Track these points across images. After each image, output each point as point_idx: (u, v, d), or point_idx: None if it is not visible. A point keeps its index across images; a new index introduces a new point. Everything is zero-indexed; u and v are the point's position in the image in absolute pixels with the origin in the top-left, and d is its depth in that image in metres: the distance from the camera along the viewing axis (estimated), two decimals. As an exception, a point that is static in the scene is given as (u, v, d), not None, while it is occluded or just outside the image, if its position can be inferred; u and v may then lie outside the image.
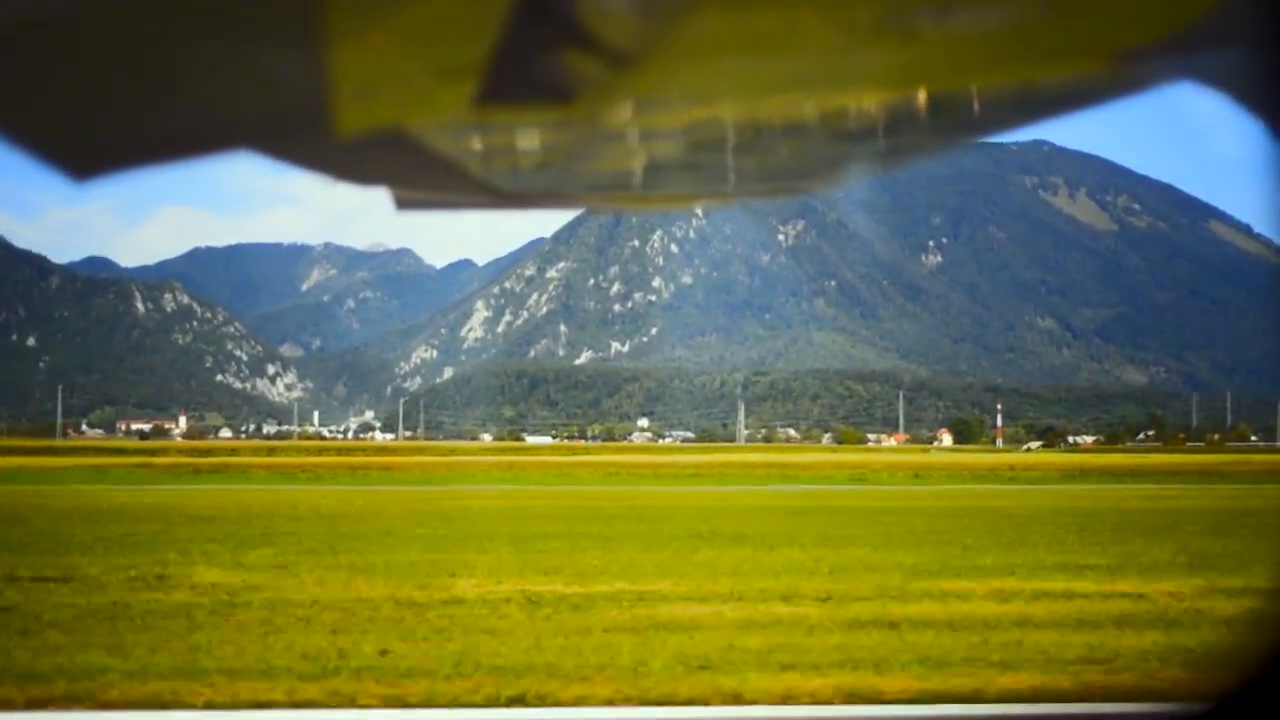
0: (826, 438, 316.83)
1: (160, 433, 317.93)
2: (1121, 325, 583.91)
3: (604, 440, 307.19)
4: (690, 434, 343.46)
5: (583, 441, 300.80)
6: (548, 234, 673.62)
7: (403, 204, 2.24)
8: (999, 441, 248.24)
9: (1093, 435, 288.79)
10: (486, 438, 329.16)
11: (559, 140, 1.95)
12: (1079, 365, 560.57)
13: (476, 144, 1.97)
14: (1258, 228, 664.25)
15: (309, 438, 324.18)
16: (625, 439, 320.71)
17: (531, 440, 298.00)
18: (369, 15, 1.44)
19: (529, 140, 1.94)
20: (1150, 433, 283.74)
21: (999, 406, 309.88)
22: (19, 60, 1.45)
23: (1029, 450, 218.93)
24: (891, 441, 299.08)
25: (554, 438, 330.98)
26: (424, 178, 2.14)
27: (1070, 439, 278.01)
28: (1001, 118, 1.93)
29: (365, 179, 2.09)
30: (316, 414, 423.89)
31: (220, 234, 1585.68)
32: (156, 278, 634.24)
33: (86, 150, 1.66)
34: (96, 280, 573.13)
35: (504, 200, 2.25)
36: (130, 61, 1.50)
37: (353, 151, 1.85)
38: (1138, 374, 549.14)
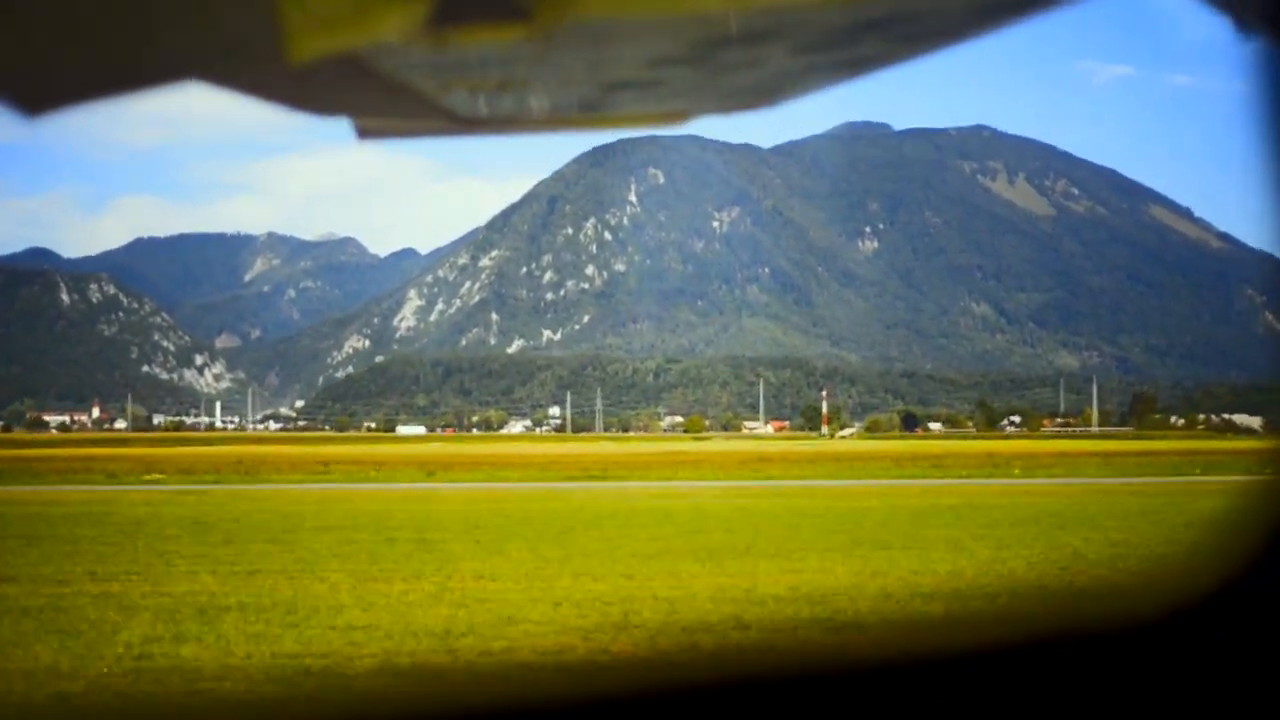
0: (708, 424, 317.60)
1: (38, 424, 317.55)
2: (1056, 310, 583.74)
3: (483, 430, 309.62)
4: (559, 422, 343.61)
5: (455, 431, 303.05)
6: (482, 222, 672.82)
7: (364, 133, 2.16)
8: (824, 429, 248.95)
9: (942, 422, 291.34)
10: (371, 425, 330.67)
11: (517, 61, 1.89)
12: (1011, 350, 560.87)
13: (433, 67, 1.90)
14: (1198, 211, 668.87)
15: (209, 429, 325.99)
16: (501, 428, 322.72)
17: (404, 430, 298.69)
18: None
19: (486, 62, 1.87)
20: (1016, 419, 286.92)
21: (824, 394, 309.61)
22: None
23: (841, 437, 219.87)
24: (769, 429, 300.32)
25: (446, 428, 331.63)
26: (383, 104, 2.05)
27: (930, 425, 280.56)
28: (968, 21, 1.88)
29: (322, 108, 2.02)
30: (219, 405, 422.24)
31: (175, 225, 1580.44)
32: (99, 269, 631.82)
33: (36, 84, 1.61)
34: (21, 271, 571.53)
35: (465, 125, 2.17)
36: None
37: (307, 79, 1.77)
38: (1070, 358, 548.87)
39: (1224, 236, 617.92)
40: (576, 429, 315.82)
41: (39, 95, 1.62)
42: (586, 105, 2.18)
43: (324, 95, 1.97)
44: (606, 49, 1.89)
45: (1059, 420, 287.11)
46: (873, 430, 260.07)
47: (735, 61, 1.99)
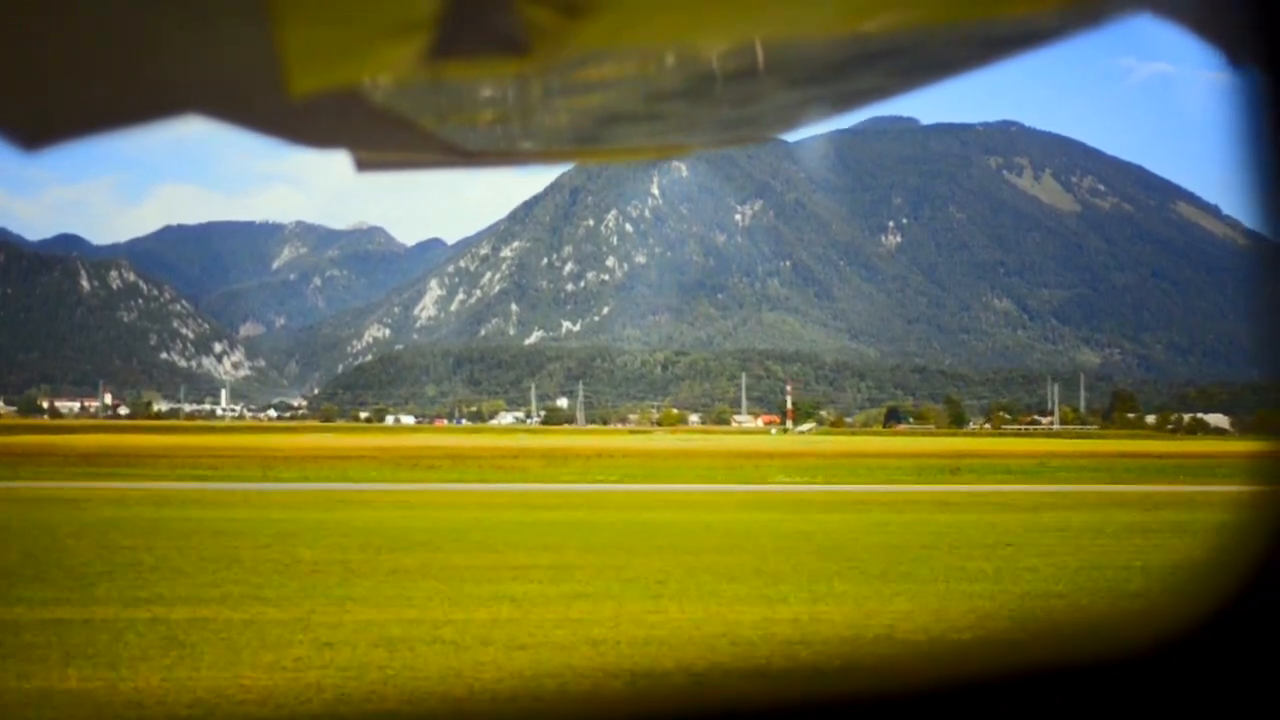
0: (694, 418, 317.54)
1: (33, 410, 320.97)
2: (1079, 307, 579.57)
3: (472, 421, 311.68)
4: (543, 413, 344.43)
5: (445, 423, 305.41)
6: (504, 214, 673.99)
7: (363, 165, 2.17)
8: (788, 423, 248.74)
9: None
10: (364, 416, 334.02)
11: (515, 96, 1.90)
12: (1033, 347, 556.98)
13: (432, 101, 1.91)
14: (1226, 209, 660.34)
15: (202, 416, 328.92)
16: (492, 419, 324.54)
17: (390, 421, 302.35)
18: None
19: (484, 96, 1.89)
20: (998, 415, 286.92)
21: (788, 388, 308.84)
22: None
23: (800, 432, 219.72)
24: (758, 423, 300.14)
25: (430, 419, 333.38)
26: (382, 138, 2.06)
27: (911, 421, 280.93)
28: (961, 56, 1.89)
29: (322, 142, 2.04)
30: (224, 393, 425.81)
31: (210, 213, 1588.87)
32: (127, 255, 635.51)
33: (36, 120, 1.63)
34: (44, 257, 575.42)
35: (463, 159, 2.18)
36: (79, 28, 1.48)
37: (307, 114, 1.79)
38: (1092, 355, 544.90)
39: (1253, 233, 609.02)
40: (560, 421, 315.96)
41: (38, 129, 1.65)
42: (584, 138, 2.19)
43: (323, 129, 1.98)
44: (604, 83, 1.90)
45: (1028, 418, 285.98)
46: (838, 425, 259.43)
47: (731, 96, 2.00)
